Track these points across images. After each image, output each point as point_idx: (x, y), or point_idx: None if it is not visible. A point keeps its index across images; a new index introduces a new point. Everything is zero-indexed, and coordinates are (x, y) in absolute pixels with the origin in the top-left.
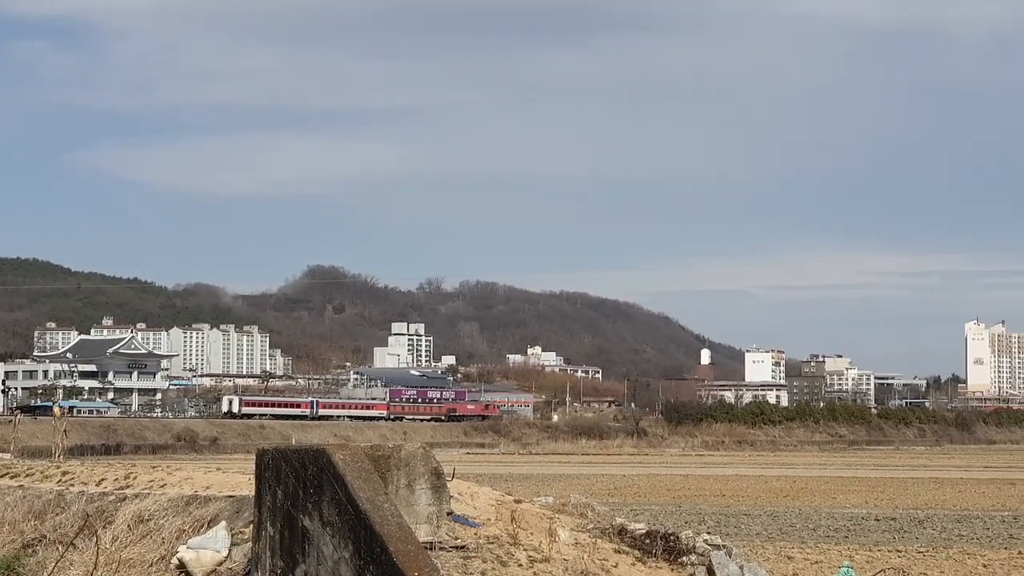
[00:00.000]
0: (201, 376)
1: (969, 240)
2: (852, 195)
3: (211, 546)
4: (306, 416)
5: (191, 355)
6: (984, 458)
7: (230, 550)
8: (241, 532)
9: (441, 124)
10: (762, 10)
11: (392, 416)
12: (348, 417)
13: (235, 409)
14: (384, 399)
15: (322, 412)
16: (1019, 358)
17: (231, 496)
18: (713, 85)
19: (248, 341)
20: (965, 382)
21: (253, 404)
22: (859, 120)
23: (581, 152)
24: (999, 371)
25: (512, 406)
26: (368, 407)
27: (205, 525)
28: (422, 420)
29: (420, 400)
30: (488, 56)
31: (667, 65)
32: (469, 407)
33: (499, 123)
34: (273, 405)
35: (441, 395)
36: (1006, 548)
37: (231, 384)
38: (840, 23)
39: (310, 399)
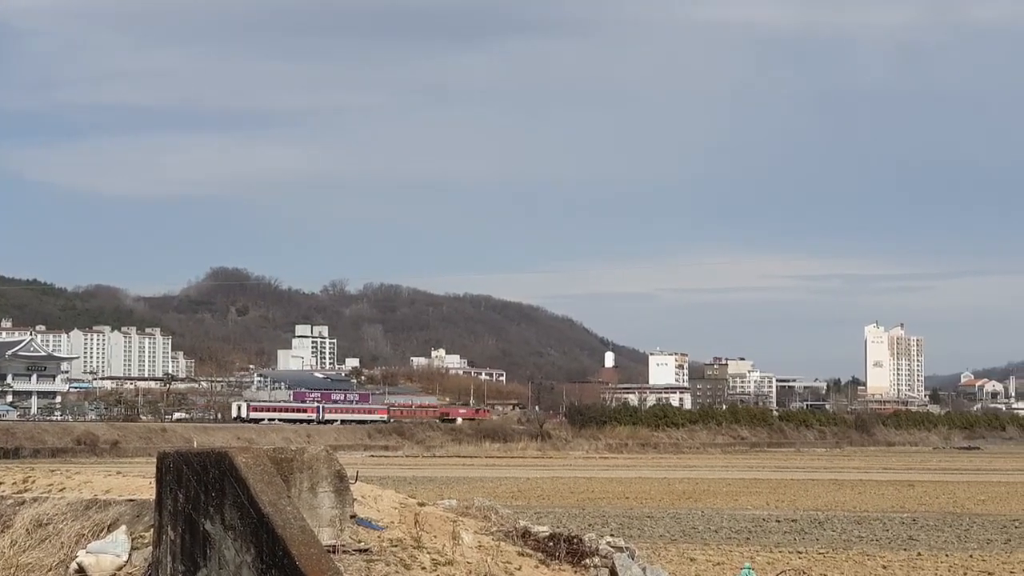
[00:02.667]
0: (102, 379)
1: (870, 244)
2: (755, 199)
3: (111, 550)
4: (312, 420)
5: (92, 357)
6: (883, 460)
7: (130, 554)
8: (141, 536)
9: (347, 126)
10: (667, 16)
11: (391, 419)
12: (354, 421)
13: (243, 414)
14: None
15: (327, 416)
16: (918, 361)
17: (132, 500)
18: (617, 89)
19: (150, 343)
20: (865, 384)
21: (260, 409)
22: (762, 125)
23: (485, 154)
24: (898, 373)
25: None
26: (370, 411)
27: (105, 529)
28: (421, 423)
29: (414, 406)
30: (393, 58)
31: (571, 69)
32: (461, 411)
33: (404, 125)
34: (280, 410)
35: (345, 397)
36: (905, 550)
37: (132, 387)
38: (744, 29)
39: (316, 404)
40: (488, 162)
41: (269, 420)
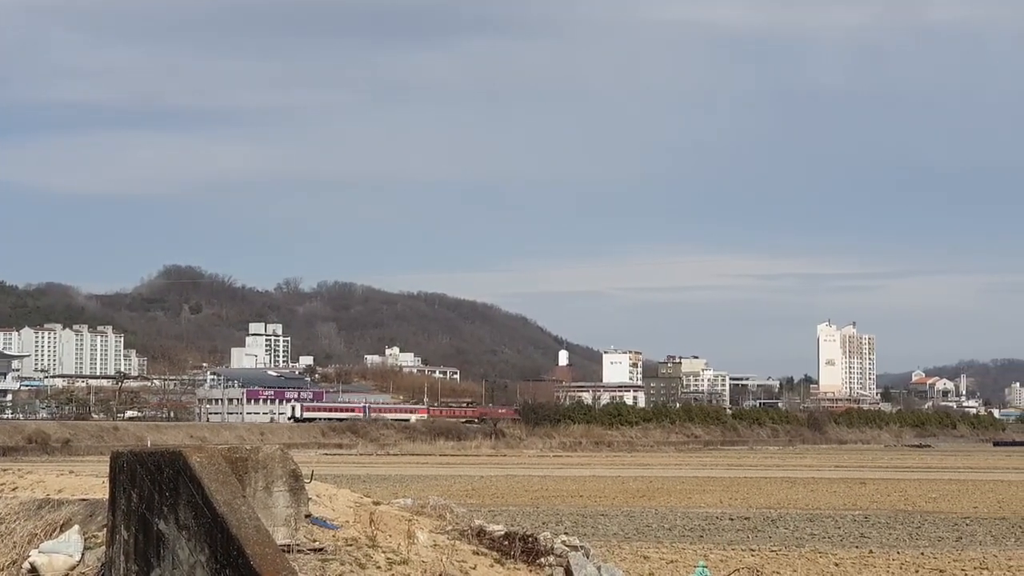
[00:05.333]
0: (53, 377)
1: (824, 243)
2: (711, 198)
3: (63, 550)
4: (359, 419)
5: (43, 355)
6: (835, 457)
7: (83, 554)
8: (95, 536)
9: (303, 124)
10: (626, 15)
11: (431, 418)
12: (393, 420)
13: (298, 414)
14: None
15: (373, 416)
16: (870, 359)
17: (84, 500)
18: (576, 88)
19: (102, 341)
20: (817, 383)
21: (313, 409)
22: (719, 124)
23: (441, 153)
24: (850, 372)
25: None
26: (411, 411)
27: (58, 529)
28: (460, 421)
29: (453, 403)
30: (354, 57)
31: (530, 68)
32: (500, 411)
33: (360, 124)
34: (331, 410)
35: (299, 395)
36: (857, 547)
37: (84, 385)
38: (705, 30)
39: (363, 404)
40: (445, 161)
41: (320, 419)
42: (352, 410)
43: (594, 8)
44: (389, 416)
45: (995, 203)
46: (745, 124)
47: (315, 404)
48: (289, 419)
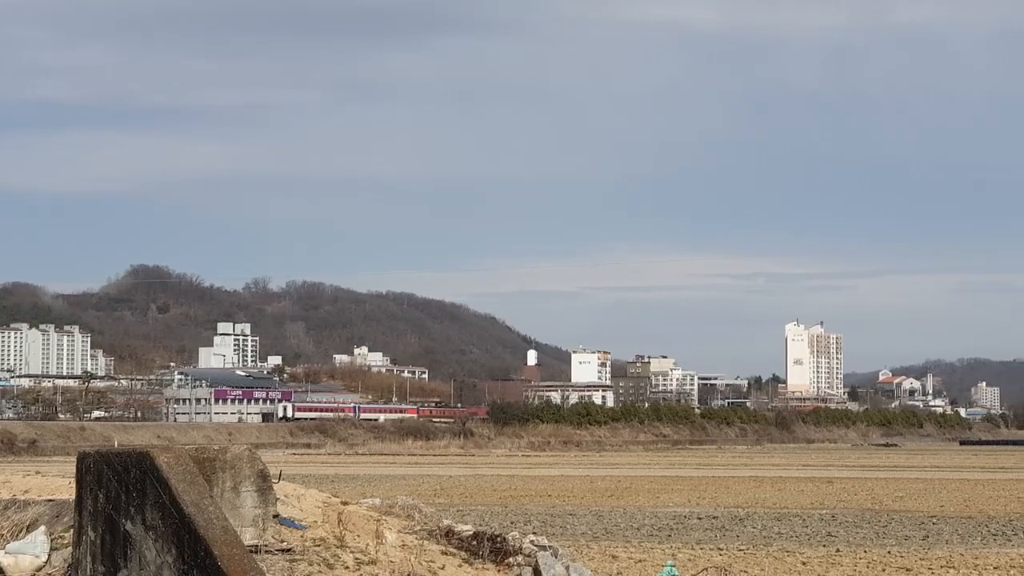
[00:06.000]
0: (20, 377)
1: (793, 243)
2: (681, 198)
3: (29, 551)
4: (350, 419)
5: (9, 355)
6: (803, 456)
7: (49, 555)
8: (61, 537)
9: (272, 124)
10: (599, 15)
11: (420, 417)
12: (386, 420)
13: (289, 414)
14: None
15: (364, 416)
16: (837, 358)
17: (51, 500)
18: (547, 87)
19: (69, 341)
20: (785, 382)
21: (304, 409)
22: (691, 124)
23: (411, 152)
24: (817, 371)
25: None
26: (402, 411)
27: (24, 530)
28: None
29: (443, 404)
30: (323, 56)
31: (503, 68)
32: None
33: (329, 123)
34: (322, 410)
35: (267, 395)
36: (824, 546)
37: (50, 385)
38: (675, 29)
39: (353, 404)
40: (415, 160)
41: (311, 419)
42: (342, 410)
43: (567, 8)
44: (380, 416)
45: (962, 203)
46: (716, 124)
47: (306, 404)
48: (280, 419)
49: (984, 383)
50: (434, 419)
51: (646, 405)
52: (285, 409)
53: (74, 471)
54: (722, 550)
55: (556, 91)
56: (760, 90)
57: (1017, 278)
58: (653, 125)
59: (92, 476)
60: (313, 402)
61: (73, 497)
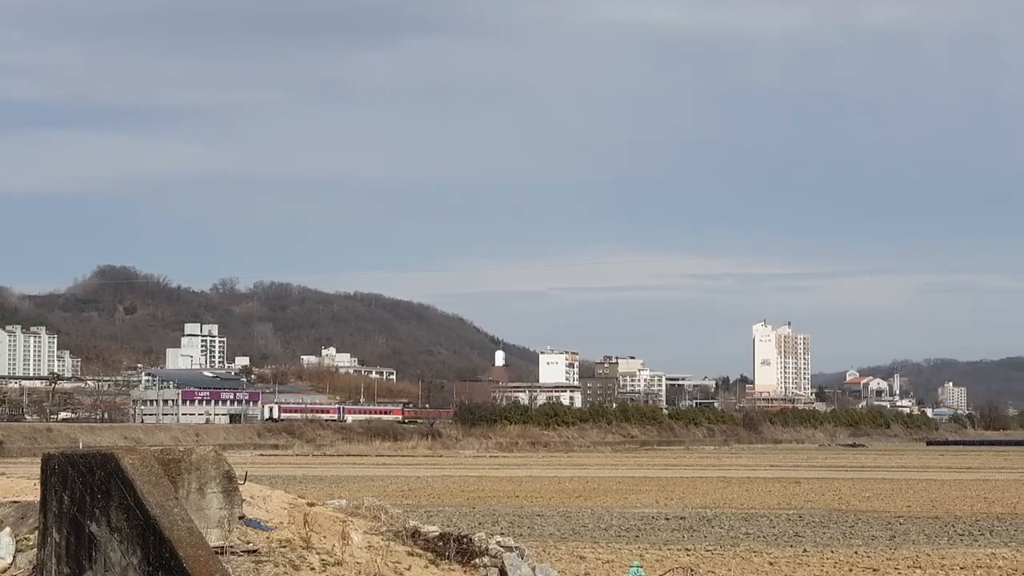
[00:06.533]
0: None
1: (762, 243)
2: (649, 198)
3: None
4: (335, 420)
5: None
6: (770, 457)
7: (14, 556)
8: (26, 538)
9: (240, 124)
10: (566, 16)
11: (407, 420)
12: (370, 420)
13: (275, 415)
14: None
15: (348, 417)
16: (804, 359)
17: (15, 502)
18: (514, 88)
19: (35, 342)
20: (753, 383)
21: (290, 410)
22: (658, 125)
23: (379, 152)
24: (785, 371)
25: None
26: (387, 412)
27: None
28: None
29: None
30: (291, 56)
31: (469, 68)
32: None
33: (297, 123)
34: (307, 411)
35: (235, 396)
36: (791, 546)
37: (17, 386)
38: (643, 30)
39: (338, 406)
40: (382, 160)
41: (298, 420)
42: (327, 411)
43: (534, 9)
44: (363, 417)
45: (929, 204)
46: (683, 124)
47: (292, 405)
48: (267, 419)
49: (951, 383)
50: (418, 419)
51: (614, 406)
52: (271, 410)
53: (39, 473)
54: (690, 550)
55: (524, 91)
56: (728, 90)
57: (984, 279)
58: (621, 125)
59: (57, 477)
60: (299, 403)
61: (38, 499)
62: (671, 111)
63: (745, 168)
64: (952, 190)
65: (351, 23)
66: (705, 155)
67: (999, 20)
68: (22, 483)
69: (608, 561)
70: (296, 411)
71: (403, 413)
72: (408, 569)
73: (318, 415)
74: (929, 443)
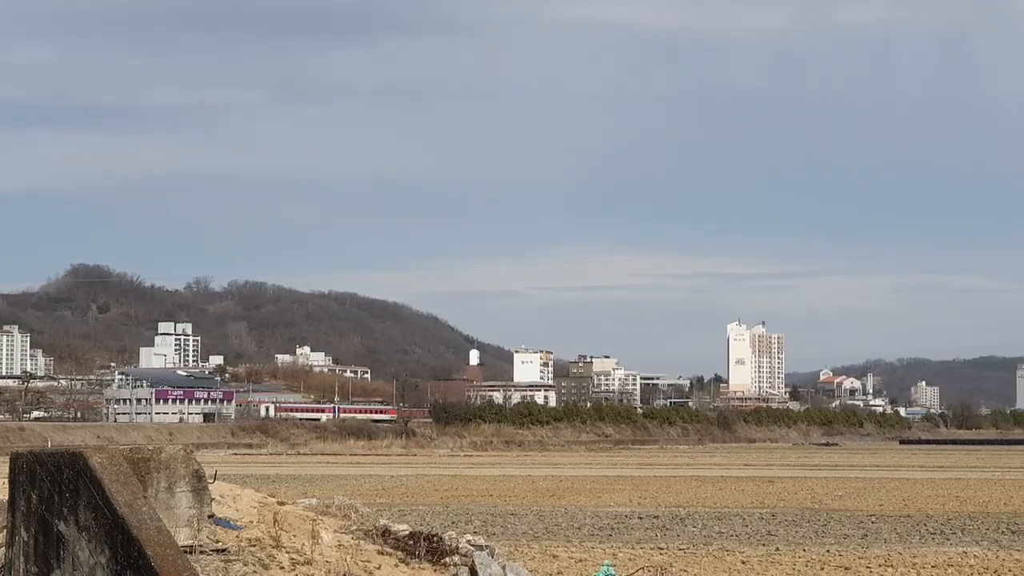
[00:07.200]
0: None
1: (737, 243)
2: (624, 197)
3: None
4: (332, 419)
5: None
6: (744, 456)
7: None
8: None
9: (214, 123)
10: (541, 15)
11: (398, 419)
12: (370, 421)
13: (271, 414)
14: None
15: (342, 416)
16: (778, 358)
17: None
18: (491, 88)
19: (8, 341)
20: (727, 382)
21: (285, 409)
22: (635, 125)
23: (354, 152)
24: (759, 371)
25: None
26: (380, 411)
27: None
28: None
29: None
30: (268, 56)
31: (446, 67)
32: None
33: (272, 122)
34: (301, 410)
35: (209, 395)
36: (764, 545)
37: None
38: (620, 30)
39: (332, 404)
40: (358, 159)
41: (291, 418)
42: (322, 411)
43: (509, 8)
44: (360, 416)
45: (903, 204)
46: (659, 124)
47: (288, 405)
48: (263, 418)
49: (924, 383)
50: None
51: (588, 405)
52: (267, 409)
53: (7, 472)
54: (662, 549)
55: (500, 91)
56: (703, 90)
57: (957, 279)
58: (597, 125)
59: (25, 476)
60: (293, 403)
61: (7, 497)
62: (647, 111)
63: (720, 169)
64: (925, 191)
65: (327, 23)
66: (681, 155)
67: (970, 22)
68: None
69: (580, 560)
70: (290, 410)
71: (398, 413)
72: (378, 568)
73: (315, 415)
74: (902, 442)
